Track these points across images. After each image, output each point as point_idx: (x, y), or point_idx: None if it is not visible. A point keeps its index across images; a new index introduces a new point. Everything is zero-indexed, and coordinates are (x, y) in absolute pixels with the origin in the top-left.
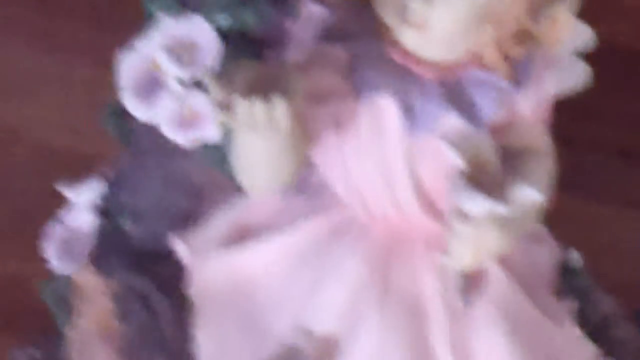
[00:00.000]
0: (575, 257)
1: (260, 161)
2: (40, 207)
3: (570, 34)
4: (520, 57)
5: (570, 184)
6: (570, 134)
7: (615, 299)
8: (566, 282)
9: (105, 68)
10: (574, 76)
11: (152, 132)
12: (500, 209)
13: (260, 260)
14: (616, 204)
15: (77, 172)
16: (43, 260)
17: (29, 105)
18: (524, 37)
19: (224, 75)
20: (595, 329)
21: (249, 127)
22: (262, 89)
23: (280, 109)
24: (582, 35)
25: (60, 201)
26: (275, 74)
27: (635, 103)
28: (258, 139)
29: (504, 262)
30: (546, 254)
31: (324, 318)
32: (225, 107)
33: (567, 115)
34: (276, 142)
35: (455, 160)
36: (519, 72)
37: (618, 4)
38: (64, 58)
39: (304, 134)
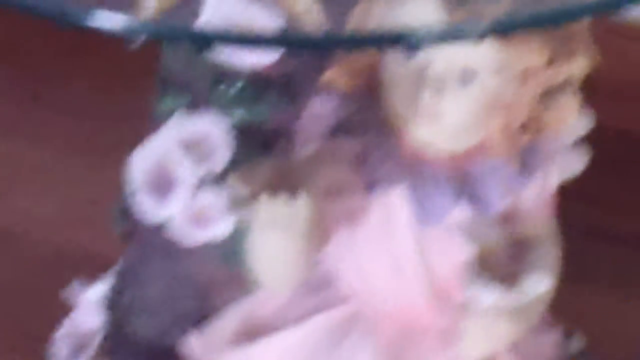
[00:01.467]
0: (578, 342)
1: (279, 256)
2: (45, 309)
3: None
4: (527, 144)
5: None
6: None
7: None
8: None
9: (106, 165)
10: (576, 161)
11: (155, 232)
12: (511, 298)
13: (271, 356)
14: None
15: (82, 270)
16: None
17: (28, 201)
18: (533, 124)
19: (244, 171)
20: None
21: (270, 223)
22: (280, 185)
23: (302, 204)
24: (584, 120)
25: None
26: (290, 171)
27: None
28: (277, 235)
29: (514, 348)
30: (551, 340)
31: None
32: (244, 203)
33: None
34: (296, 238)
35: (467, 250)
36: (525, 159)
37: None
38: (64, 153)
39: (320, 229)
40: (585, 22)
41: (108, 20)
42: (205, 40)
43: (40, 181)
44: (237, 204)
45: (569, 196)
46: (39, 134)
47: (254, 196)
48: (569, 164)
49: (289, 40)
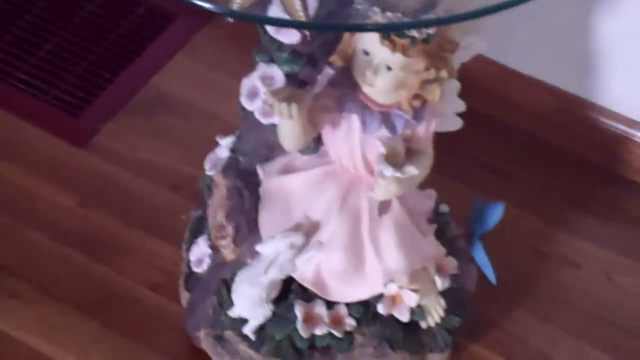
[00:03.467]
0: (445, 208)
1: (289, 134)
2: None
3: (451, 99)
4: (418, 106)
5: None
6: None
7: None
8: (436, 217)
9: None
10: (451, 123)
11: (252, 115)
12: (398, 174)
13: (294, 182)
14: None
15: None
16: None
17: None
18: (419, 97)
19: (275, 90)
20: (445, 241)
21: (278, 115)
22: (291, 98)
23: (293, 107)
24: (458, 102)
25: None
26: (300, 94)
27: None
28: (285, 122)
29: (400, 199)
30: (427, 201)
31: (316, 212)
32: (269, 104)
33: None
34: (295, 125)
35: (381, 149)
36: (418, 113)
37: None
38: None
39: (311, 124)
40: (453, 49)
41: (214, 7)
42: (258, 21)
43: None
44: (268, 104)
45: None
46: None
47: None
48: (446, 124)
49: (300, 25)
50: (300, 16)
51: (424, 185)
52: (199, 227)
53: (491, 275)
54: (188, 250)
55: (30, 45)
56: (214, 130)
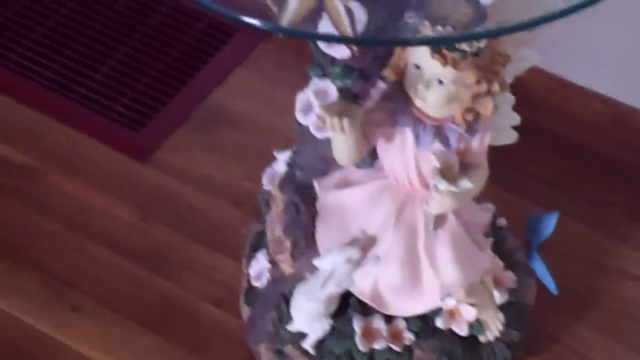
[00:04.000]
0: (503, 221)
1: (342, 148)
2: None
3: (505, 113)
4: (472, 119)
5: None
6: None
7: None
8: (494, 231)
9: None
10: (506, 137)
11: (307, 130)
12: (453, 188)
13: (350, 196)
14: None
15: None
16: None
17: None
18: (471, 110)
19: (327, 105)
20: (503, 255)
21: (330, 129)
22: (343, 113)
23: (345, 121)
24: (512, 115)
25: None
26: (352, 108)
27: None
28: (338, 137)
29: (456, 213)
30: (484, 215)
31: (372, 226)
32: (321, 119)
33: None
34: (347, 139)
35: (435, 162)
36: (472, 126)
37: None
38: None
39: (365, 138)
40: (504, 61)
41: (264, 24)
42: (306, 37)
43: None
44: (320, 118)
45: None
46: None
47: (333, 114)
48: (501, 137)
49: (347, 40)
50: (348, 31)
51: (481, 198)
52: (259, 242)
53: (552, 285)
54: (248, 265)
55: (92, 60)
56: (273, 144)
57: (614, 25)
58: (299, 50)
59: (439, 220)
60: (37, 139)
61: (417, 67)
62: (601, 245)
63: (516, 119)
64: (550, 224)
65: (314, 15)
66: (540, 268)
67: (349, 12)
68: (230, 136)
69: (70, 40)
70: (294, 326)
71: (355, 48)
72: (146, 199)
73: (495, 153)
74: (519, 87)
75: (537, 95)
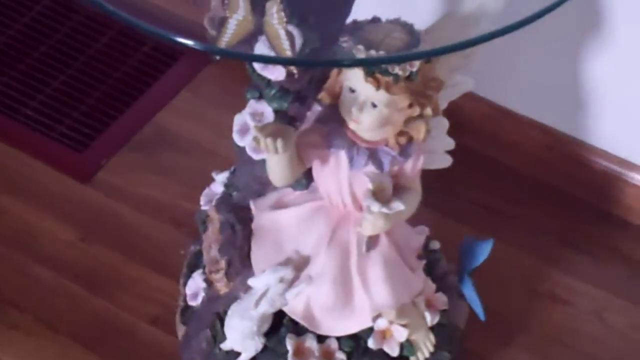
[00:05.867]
0: (436, 244)
1: (276, 169)
2: None
3: (440, 137)
4: (405, 143)
5: None
6: None
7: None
8: (427, 253)
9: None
10: (440, 161)
11: (244, 150)
12: (385, 210)
13: (286, 217)
14: None
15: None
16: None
17: None
18: (404, 134)
19: (262, 126)
20: (435, 277)
21: (264, 150)
22: (277, 134)
23: (279, 142)
24: (447, 139)
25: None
26: (286, 129)
27: None
28: (272, 157)
29: (389, 234)
30: (418, 237)
31: (306, 247)
32: (256, 139)
33: None
34: (281, 160)
35: (369, 184)
36: (405, 150)
37: None
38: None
39: (298, 159)
40: (438, 86)
41: (200, 45)
42: (240, 57)
43: None
44: (255, 140)
45: None
46: None
47: (267, 135)
48: (436, 161)
49: (284, 61)
50: (288, 54)
51: (416, 221)
52: (196, 262)
53: (480, 311)
54: (185, 284)
55: (36, 81)
56: (214, 166)
57: (550, 54)
58: (242, 75)
59: (372, 242)
60: None
61: (352, 90)
62: (534, 269)
63: (451, 143)
64: (484, 251)
65: (251, 38)
66: (470, 293)
67: (289, 35)
68: (172, 158)
69: (15, 62)
70: (227, 345)
71: (293, 70)
72: (87, 219)
73: (431, 177)
74: (454, 112)
75: (473, 121)
